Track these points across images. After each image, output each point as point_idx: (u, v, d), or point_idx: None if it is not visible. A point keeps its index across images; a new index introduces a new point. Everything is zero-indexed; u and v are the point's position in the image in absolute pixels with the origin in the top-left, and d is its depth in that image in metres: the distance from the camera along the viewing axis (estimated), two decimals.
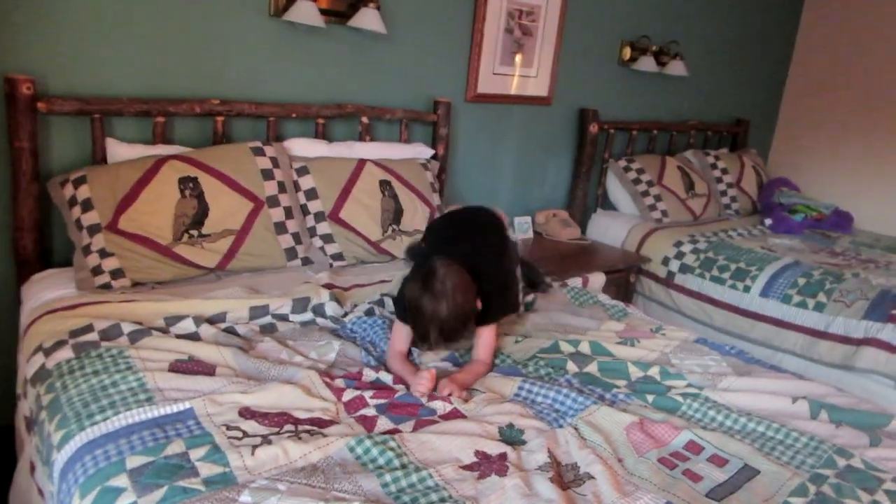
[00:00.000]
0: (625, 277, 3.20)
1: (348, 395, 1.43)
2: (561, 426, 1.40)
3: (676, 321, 3.18)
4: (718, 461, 1.32)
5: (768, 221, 3.67)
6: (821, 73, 4.51)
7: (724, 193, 3.87)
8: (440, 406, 1.42)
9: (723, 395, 1.59)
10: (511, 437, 1.34)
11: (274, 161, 2.33)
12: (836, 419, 1.52)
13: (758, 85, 4.53)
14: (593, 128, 3.47)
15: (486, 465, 1.22)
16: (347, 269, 2.37)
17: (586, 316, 2.08)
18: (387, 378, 1.54)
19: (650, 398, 1.56)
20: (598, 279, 2.47)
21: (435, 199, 2.71)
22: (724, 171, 3.93)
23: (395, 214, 2.54)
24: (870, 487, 1.27)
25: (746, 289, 2.96)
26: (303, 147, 2.52)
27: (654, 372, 1.70)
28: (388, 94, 2.82)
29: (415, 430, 1.33)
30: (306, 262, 2.31)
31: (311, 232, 2.40)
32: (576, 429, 1.38)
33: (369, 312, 1.94)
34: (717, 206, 3.80)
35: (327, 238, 2.39)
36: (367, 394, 1.43)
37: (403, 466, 1.20)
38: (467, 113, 3.11)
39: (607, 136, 3.62)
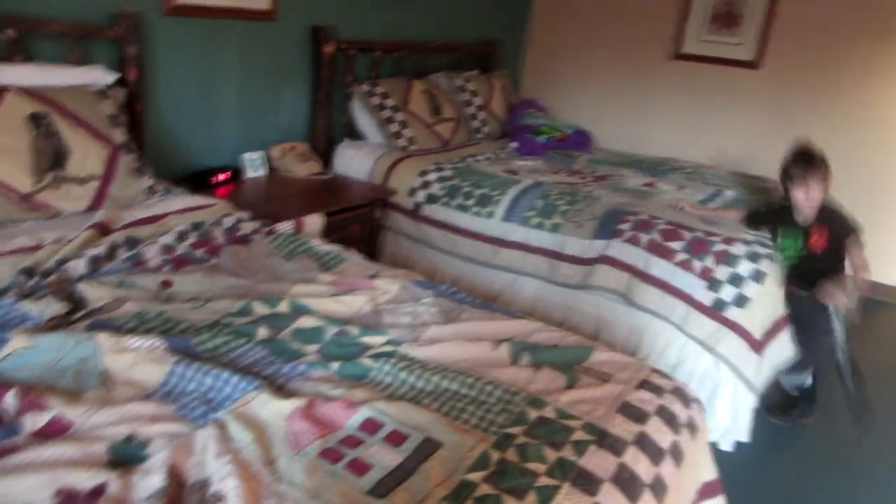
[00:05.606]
0: (369, 213, 2.95)
1: None
2: (205, 425, 1.09)
3: (425, 255, 3.03)
4: (396, 439, 1.10)
5: (514, 144, 3.62)
6: None
7: (473, 117, 3.75)
8: (29, 422, 1.04)
9: (423, 350, 1.39)
10: (126, 454, 1.00)
11: None
12: (537, 361, 1.39)
13: (507, 4, 4.43)
14: (328, 48, 3.10)
15: None
16: None
17: (292, 269, 1.78)
18: None
19: (335, 366, 1.31)
20: (314, 222, 2.19)
21: (117, 136, 2.19)
22: (474, 94, 3.79)
23: (55, 157, 2.00)
24: (557, 442, 1.14)
25: (490, 214, 2.86)
26: None
27: (351, 328, 1.45)
28: (48, 0, 2.19)
29: None
30: None
31: None
32: (222, 427, 1.08)
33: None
34: (466, 131, 3.67)
35: None
36: None
37: None
38: (168, 29, 2.57)
39: (347, 57, 3.27)
